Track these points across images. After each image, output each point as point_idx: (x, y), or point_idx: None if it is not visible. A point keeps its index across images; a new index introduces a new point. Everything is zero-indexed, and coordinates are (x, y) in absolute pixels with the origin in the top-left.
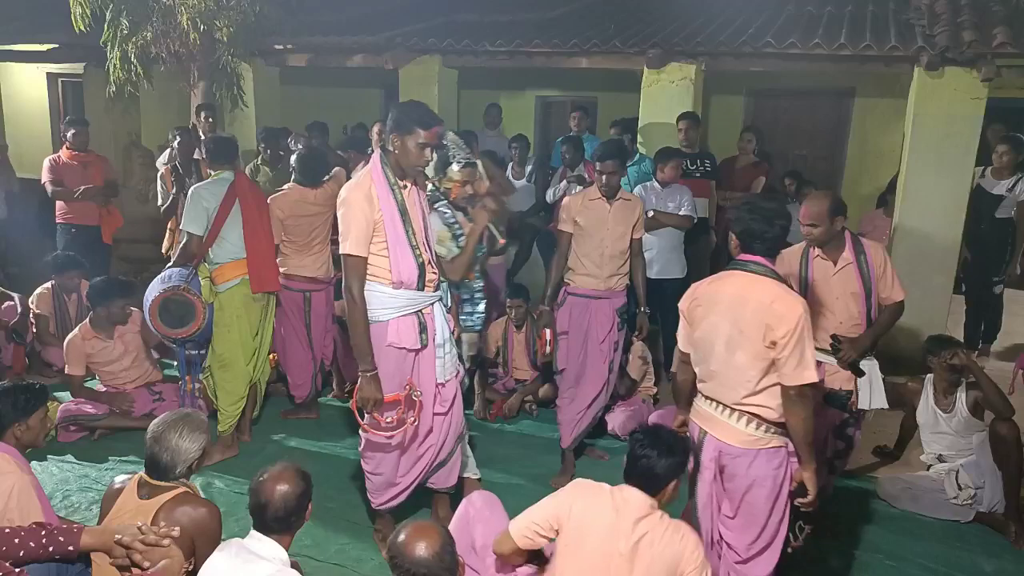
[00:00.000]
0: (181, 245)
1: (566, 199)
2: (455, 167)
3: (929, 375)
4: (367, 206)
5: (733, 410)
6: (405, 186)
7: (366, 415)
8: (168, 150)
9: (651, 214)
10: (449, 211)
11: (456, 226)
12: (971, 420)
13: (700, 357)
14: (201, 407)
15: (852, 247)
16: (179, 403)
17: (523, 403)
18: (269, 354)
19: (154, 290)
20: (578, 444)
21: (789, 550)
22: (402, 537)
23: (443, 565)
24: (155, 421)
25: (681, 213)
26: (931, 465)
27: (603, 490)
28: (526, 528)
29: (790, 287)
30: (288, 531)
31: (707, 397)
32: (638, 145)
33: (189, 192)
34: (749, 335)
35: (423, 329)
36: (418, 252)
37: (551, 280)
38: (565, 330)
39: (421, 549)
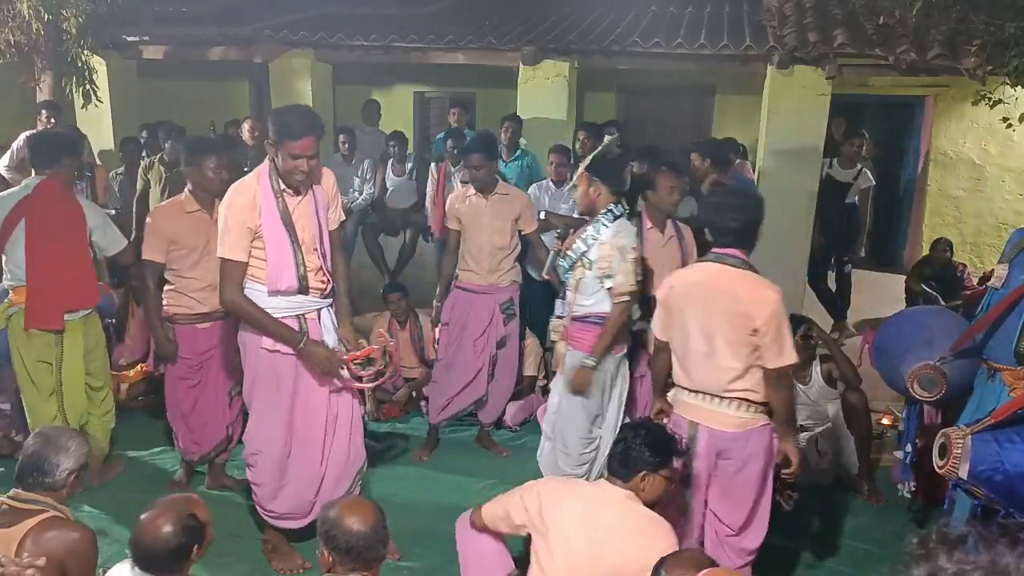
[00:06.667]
0: None
1: (451, 197)
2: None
3: None
4: (249, 213)
5: (723, 398)
6: (291, 193)
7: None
8: (9, 152)
9: (543, 215)
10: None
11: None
12: (826, 390)
13: (679, 348)
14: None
15: (674, 224)
16: None
17: (410, 397)
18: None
19: None
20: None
21: (789, 507)
22: (336, 512)
23: (377, 537)
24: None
25: (576, 215)
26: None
27: (573, 487)
28: (493, 516)
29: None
30: (173, 572)
31: (692, 390)
32: (520, 140)
33: None
34: (730, 325)
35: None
36: (301, 262)
37: (441, 278)
38: (447, 321)
39: (356, 523)
